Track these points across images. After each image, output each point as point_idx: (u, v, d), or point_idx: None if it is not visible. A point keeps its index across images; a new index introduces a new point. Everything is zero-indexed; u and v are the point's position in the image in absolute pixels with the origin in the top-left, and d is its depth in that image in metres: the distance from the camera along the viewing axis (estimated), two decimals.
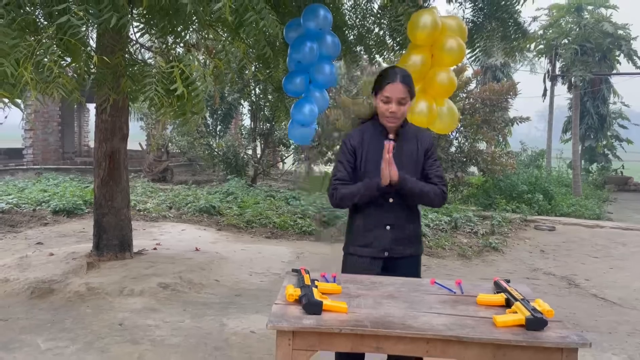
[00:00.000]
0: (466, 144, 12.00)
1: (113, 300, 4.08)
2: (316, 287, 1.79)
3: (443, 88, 3.86)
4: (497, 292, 1.88)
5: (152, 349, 3.27)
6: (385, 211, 2.26)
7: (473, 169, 13.16)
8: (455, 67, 6.71)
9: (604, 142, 20.43)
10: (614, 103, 20.57)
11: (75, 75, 3.33)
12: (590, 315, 4.42)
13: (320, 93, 4.33)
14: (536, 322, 1.60)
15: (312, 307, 1.65)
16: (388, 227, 2.26)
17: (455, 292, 1.93)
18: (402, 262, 2.29)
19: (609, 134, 20.49)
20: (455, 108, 4.02)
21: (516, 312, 1.66)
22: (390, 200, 2.25)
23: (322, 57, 4.10)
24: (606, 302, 4.85)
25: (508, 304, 1.76)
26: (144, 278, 4.52)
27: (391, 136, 2.27)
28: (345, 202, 2.28)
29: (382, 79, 2.26)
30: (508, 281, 1.95)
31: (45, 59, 2.65)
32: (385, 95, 2.22)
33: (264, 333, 3.50)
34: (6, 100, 2.96)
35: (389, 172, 2.12)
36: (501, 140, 14.41)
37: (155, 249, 5.66)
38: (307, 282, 1.81)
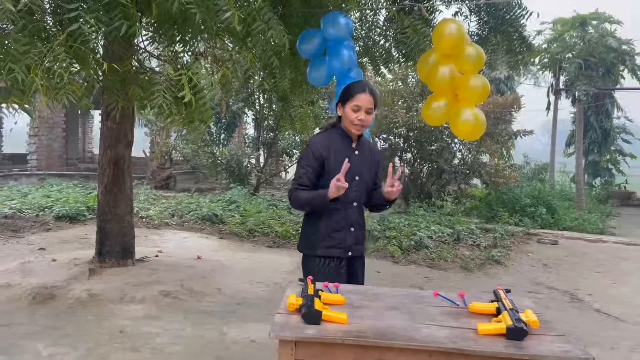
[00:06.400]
0: (469, 156, 12.01)
1: (114, 307, 4.08)
2: (319, 297, 1.79)
3: (476, 93, 3.86)
4: (492, 301, 1.88)
5: (152, 356, 3.26)
6: (350, 213, 2.48)
7: (476, 181, 13.16)
8: None
9: (608, 157, 20.38)
10: (618, 117, 20.55)
11: (85, 82, 3.36)
12: (592, 330, 4.39)
13: None
14: (515, 332, 1.60)
15: (311, 316, 1.65)
16: (352, 229, 2.48)
17: (458, 305, 1.93)
18: (358, 261, 2.55)
19: (612, 148, 20.44)
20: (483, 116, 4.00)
21: (501, 322, 1.67)
22: (354, 204, 2.49)
23: None
24: (609, 318, 4.83)
25: (498, 313, 1.77)
26: (146, 285, 4.52)
27: (354, 145, 2.54)
28: (297, 204, 2.46)
29: (351, 89, 2.48)
30: (508, 291, 1.95)
31: (55, 66, 2.67)
32: (355, 104, 2.43)
33: (265, 342, 3.49)
34: (16, 106, 2.99)
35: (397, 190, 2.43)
36: (504, 153, 14.40)
37: (157, 256, 5.66)
38: (311, 291, 1.81)
